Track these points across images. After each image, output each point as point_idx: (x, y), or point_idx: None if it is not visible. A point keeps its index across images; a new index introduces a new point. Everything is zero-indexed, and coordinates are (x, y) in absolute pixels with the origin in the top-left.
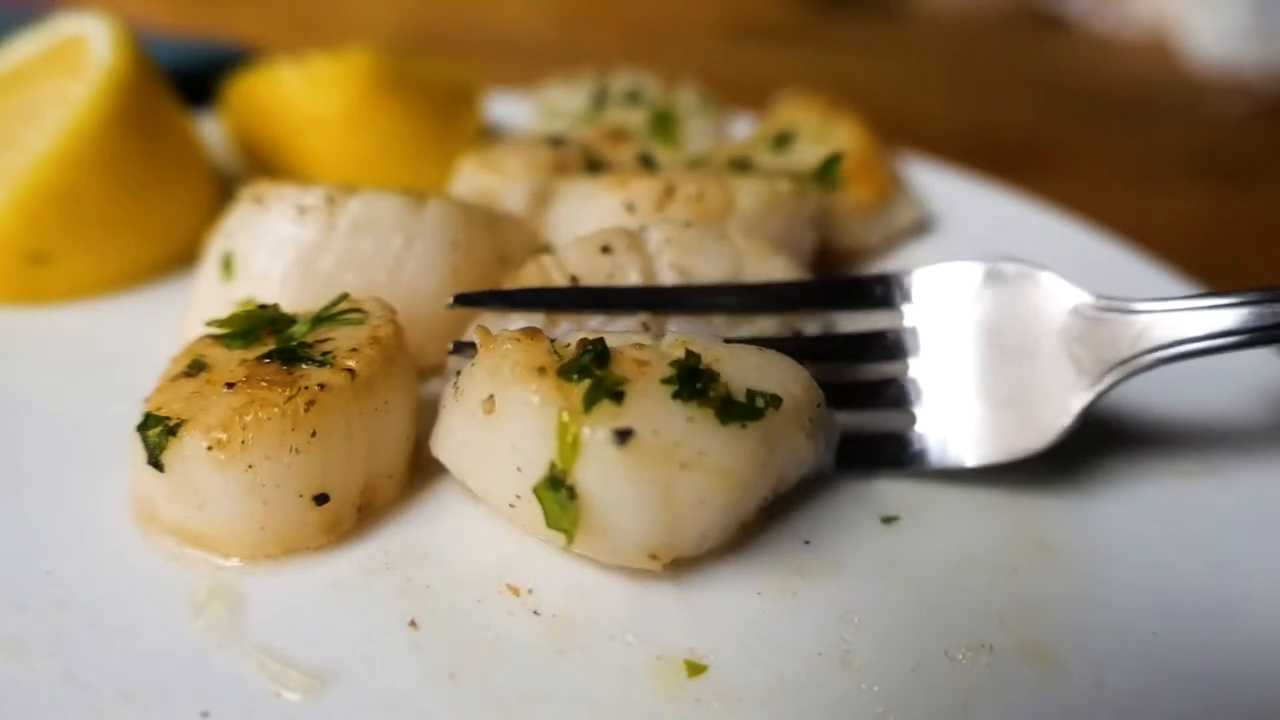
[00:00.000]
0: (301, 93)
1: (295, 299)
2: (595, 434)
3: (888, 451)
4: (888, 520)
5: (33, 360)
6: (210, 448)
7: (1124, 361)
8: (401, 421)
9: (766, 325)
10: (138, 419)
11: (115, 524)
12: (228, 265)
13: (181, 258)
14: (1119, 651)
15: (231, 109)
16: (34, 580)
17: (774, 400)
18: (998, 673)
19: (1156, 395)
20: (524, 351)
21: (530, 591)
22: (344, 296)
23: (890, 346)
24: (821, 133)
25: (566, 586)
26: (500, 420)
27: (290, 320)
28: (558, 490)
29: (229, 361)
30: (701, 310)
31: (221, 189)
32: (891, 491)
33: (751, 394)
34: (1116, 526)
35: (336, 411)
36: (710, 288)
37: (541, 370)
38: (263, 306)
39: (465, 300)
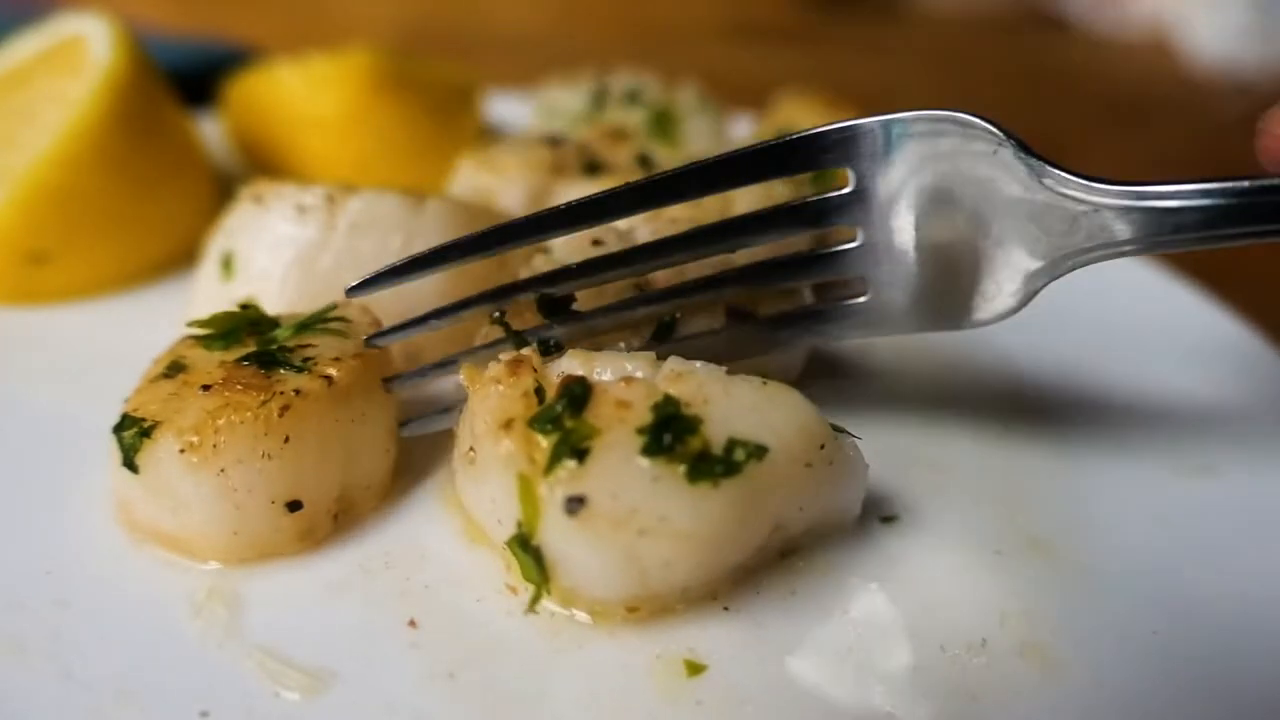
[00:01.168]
0: (301, 93)
1: (295, 298)
2: (552, 497)
3: (832, 318)
4: (887, 520)
5: (33, 360)
6: (182, 450)
7: (1082, 251)
8: (380, 435)
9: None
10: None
11: (115, 523)
12: (228, 265)
13: (181, 258)
14: (1119, 650)
15: (231, 109)
16: (33, 580)
17: (757, 451)
18: (998, 672)
19: (1155, 395)
20: (499, 398)
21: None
22: (334, 306)
23: (834, 210)
24: None
25: None
26: (479, 472)
27: (273, 323)
28: (526, 549)
29: (208, 363)
30: (629, 209)
31: (221, 189)
32: (891, 491)
33: (732, 445)
34: (1115, 526)
35: (311, 419)
36: (641, 183)
37: (509, 425)
38: (244, 307)
39: (361, 288)
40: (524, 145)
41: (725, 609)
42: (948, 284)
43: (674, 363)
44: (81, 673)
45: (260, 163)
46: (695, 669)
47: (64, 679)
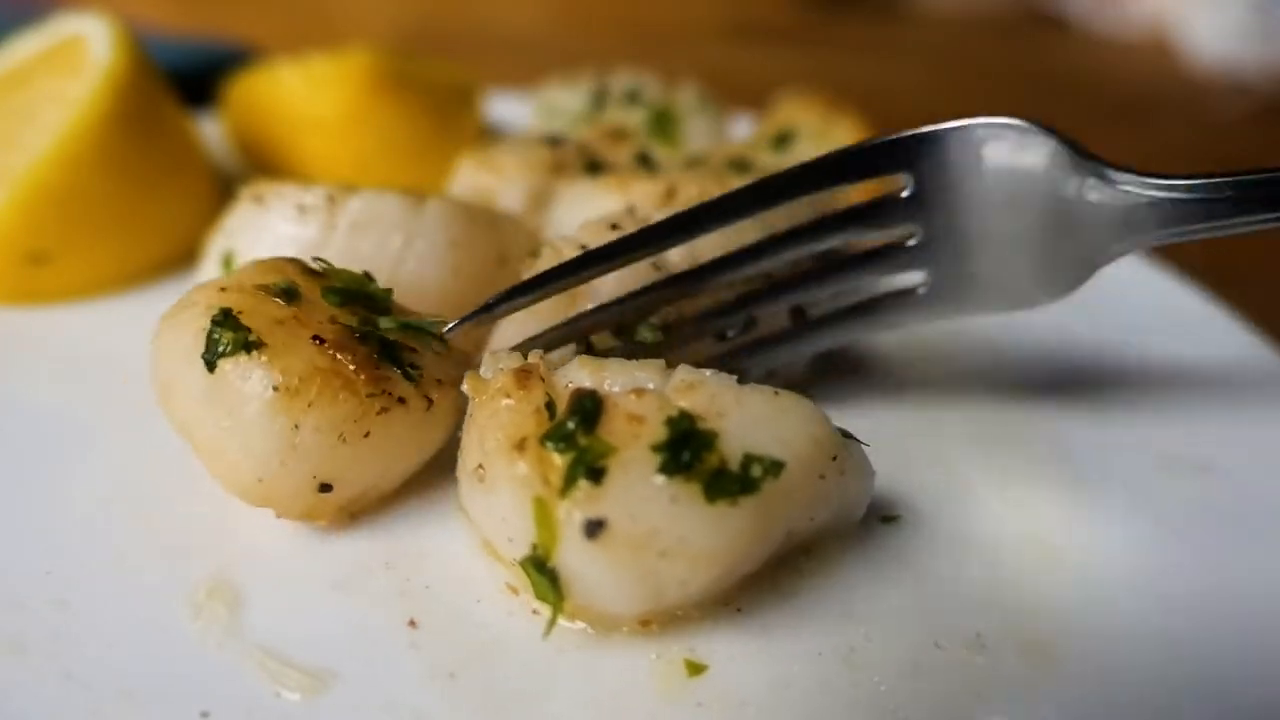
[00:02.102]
0: (301, 93)
1: None
2: (570, 520)
3: (898, 306)
4: (888, 520)
5: (33, 360)
6: (276, 388)
7: (1131, 235)
8: (420, 459)
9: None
10: (206, 328)
11: (115, 523)
12: (228, 264)
13: (181, 258)
14: (1120, 650)
15: (231, 109)
16: (34, 580)
17: (773, 468)
18: (999, 671)
19: (1155, 395)
20: (510, 414)
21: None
22: (441, 321)
23: (897, 212)
24: (821, 132)
25: None
26: (490, 489)
27: (383, 306)
28: (541, 570)
29: (323, 310)
30: (705, 228)
31: (221, 189)
32: (892, 491)
33: (749, 460)
34: (1116, 525)
35: (398, 428)
36: (709, 204)
37: (522, 444)
38: (367, 275)
39: (455, 328)
40: (524, 145)
41: (726, 610)
42: (1003, 273)
43: (684, 372)
44: (81, 673)
45: (260, 163)
46: (696, 669)
47: (64, 679)
